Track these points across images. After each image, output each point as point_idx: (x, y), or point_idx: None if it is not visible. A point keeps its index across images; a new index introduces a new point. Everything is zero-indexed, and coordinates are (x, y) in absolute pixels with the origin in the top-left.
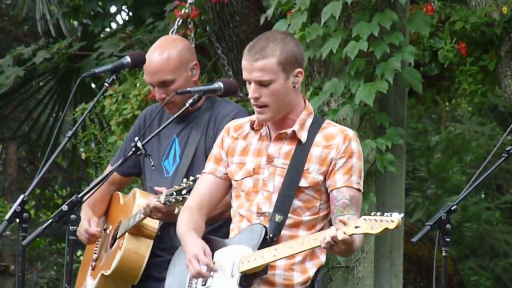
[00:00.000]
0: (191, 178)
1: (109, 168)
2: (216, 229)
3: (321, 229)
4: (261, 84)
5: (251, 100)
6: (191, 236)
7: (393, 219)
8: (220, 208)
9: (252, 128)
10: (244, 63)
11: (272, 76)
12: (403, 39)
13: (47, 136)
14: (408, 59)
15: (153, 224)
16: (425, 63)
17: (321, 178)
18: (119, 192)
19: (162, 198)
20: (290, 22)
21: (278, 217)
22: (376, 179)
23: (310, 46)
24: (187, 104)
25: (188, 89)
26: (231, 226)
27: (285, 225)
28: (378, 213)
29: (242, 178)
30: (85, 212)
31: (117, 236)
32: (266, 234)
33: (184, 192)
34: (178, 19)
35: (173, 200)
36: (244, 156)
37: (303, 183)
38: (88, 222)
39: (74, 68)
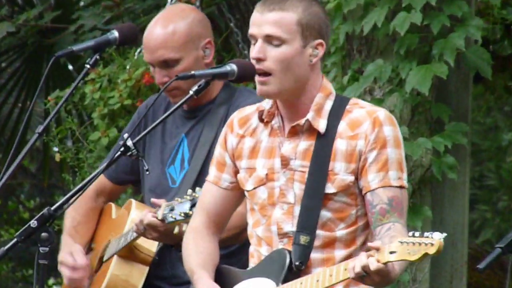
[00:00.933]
0: (197, 189)
1: (101, 177)
2: (232, 254)
3: (364, 243)
4: (270, 42)
5: (253, 63)
6: (201, 275)
7: (433, 242)
8: (234, 228)
9: (261, 119)
10: (254, 15)
11: (287, 34)
12: (468, 9)
13: (11, 132)
14: (474, 35)
15: (149, 246)
16: (495, 40)
17: (351, 178)
18: (112, 204)
19: (160, 213)
20: None
21: (303, 238)
22: (432, 189)
23: (348, 18)
24: (191, 92)
25: (192, 72)
26: (250, 249)
27: (314, 246)
28: (417, 233)
29: (254, 188)
30: (64, 242)
31: (104, 259)
32: (291, 262)
33: (186, 207)
34: None
35: (173, 217)
36: (253, 159)
37: (329, 188)
38: (70, 255)
39: (45, 45)
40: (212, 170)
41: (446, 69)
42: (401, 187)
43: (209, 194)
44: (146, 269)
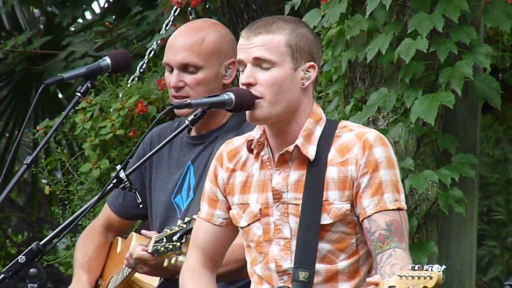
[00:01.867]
0: (186, 219)
1: (106, 208)
2: None
3: (368, 273)
4: (260, 66)
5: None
6: None
7: (432, 275)
8: (235, 262)
9: (250, 150)
10: (241, 41)
11: (276, 57)
12: (476, 36)
13: None
14: (483, 63)
15: (150, 280)
16: (505, 68)
17: (347, 206)
18: (119, 238)
19: (150, 246)
20: (324, 13)
21: (302, 274)
22: (438, 223)
23: (351, 45)
24: (186, 122)
25: (188, 101)
26: (251, 287)
27: (316, 281)
28: (417, 266)
29: (248, 225)
30: (77, 278)
31: None
32: None
33: (175, 238)
34: (174, 7)
35: (162, 249)
36: (246, 194)
37: (325, 219)
38: None
39: (34, 72)
40: (204, 207)
41: (453, 98)
42: (399, 209)
43: (203, 231)
44: None
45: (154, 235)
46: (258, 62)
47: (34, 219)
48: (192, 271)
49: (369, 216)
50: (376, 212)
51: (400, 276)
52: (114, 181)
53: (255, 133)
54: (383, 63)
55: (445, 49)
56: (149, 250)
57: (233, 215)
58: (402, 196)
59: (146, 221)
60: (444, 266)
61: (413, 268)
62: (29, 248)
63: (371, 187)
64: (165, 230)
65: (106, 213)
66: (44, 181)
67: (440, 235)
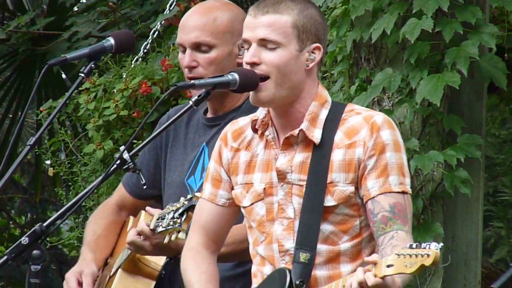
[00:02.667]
0: (188, 196)
1: (120, 188)
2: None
3: (370, 255)
4: (265, 46)
5: (247, 68)
6: None
7: (429, 252)
8: (240, 242)
9: (255, 130)
10: (248, 19)
11: (282, 37)
12: (482, 16)
13: (1, 144)
14: (488, 43)
15: (155, 259)
16: (510, 48)
17: (351, 189)
18: (131, 217)
19: (152, 222)
20: None
21: (303, 256)
22: (444, 205)
23: (356, 25)
24: (190, 103)
25: (192, 82)
26: (253, 269)
27: (317, 262)
28: (415, 244)
29: (251, 204)
30: (83, 257)
31: (110, 274)
32: (291, 281)
33: (177, 215)
34: None
35: (163, 225)
36: (250, 174)
37: (329, 201)
38: (77, 276)
39: (38, 53)
40: (207, 187)
41: (459, 78)
42: (403, 192)
43: (206, 212)
44: (152, 283)
45: (157, 212)
46: (264, 42)
47: (38, 201)
48: (195, 251)
49: (373, 197)
50: (381, 194)
51: (398, 255)
52: (118, 162)
53: (259, 113)
54: (388, 43)
55: (450, 29)
56: (151, 226)
57: (236, 195)
58: (408, 180)
59: (160, 201)
60: (441, 244)
61: (410, 246)
62: (33, 229)
63: (377, 169)
64: (167, 207)
65: (120, 192)
66: (47, 162)
67: (446, 216)
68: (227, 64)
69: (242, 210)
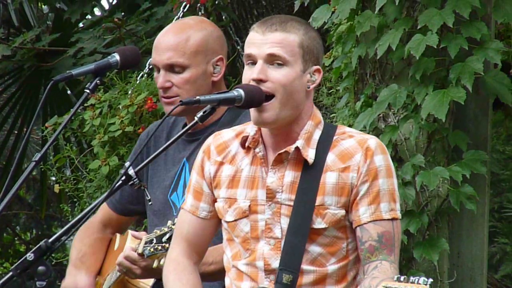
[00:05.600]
0: (176, 220)
1: (104, 205)
2: None
3: (354, 278)
4: (272, 63)
5: (252, 83)
6: None
7: None
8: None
9: (243, 146)
10: (253, 35)
11: (290, 56)
12: (487, 31)
13: (6, 160)
14: (494, 59)
15: (144, 280)
16: None
17: (342, 212)
18: (118, 234)
19: (140, 247)
20: (334, 9)
21: (286, 277)
22: (449, 220)
23: (361, 41)
24: (196, 119)
25: (198, 97)
26: (226, 282)
27: (304, 283)
28: (402, 277)
29: (235, 220)
30: (69, 272)
31: None
32: None
33: (164, 239)
34: (184, 3)
35: (152, 249)
36: (234, 189)
37: (319, 223)
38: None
39: (43, 69)
40: (189, 198)
41: (464, 94)
42: (393, 219)
43: (187, 223)
44: None
45: (144, 236)
46: (272, 58)
47: (43, 217)
48: (176, 262)
49: (363, 224)
50: (371, 222)
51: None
52: (123, 178)
53: (250, 129)
54: (393, 59)
55: (455, 45)
56: (139, 251)
57: (218, 208)
58: (398, 206)
59: (144, 217)
60: (431, 280)
61: (398, 279)
62: (38, 245)
63: (369, 195)
64: (155, 231)
65: (103, 209)
66: (53, 178)
67: (451, 232)
68: (202, 83)
69: (224, 224)
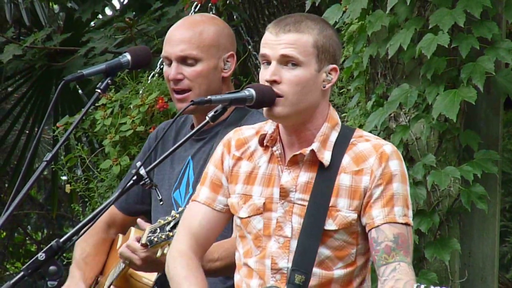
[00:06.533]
0: (180, 209)
1: (111, 208)
2: None
3: (361, 284)
4: (285, 64)
5: (266, 84)
6: None
7: None
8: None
9: (262, 144)
10: (268, 36)
11: (303, 56)
12: (498, 31)
13: (17, 160)
14: (505, 59)
15: (147, 274)
16: None
17: (354, 216)
18: (120, 235)
19: (144, 237)
20: (345, 8)
21: (298, 277)
22: (460, 220)
23: (372, 41)
24: (207, 118)
25: (209, 97)
26: (236, 278)
27: (310, 286)
28: (423, 286)
29: (249, 216)
30: (71, 275)
31: None
32: None
33: (168, 228)
34: (195, 3)
35: (155, 239)
36: (250, 185)
37: (330, 225)
38: None
39: (54, 68)
40: (204, 191)
41: (475, 93)
42: (407, 224)
43: (200, 216)
44: None
45: (147, 226)
46: (285, 59)
47: (54, 216)
48: (186, 257)
49: (378, 226)
50: (385, 223)
51: None
52: (134, 178)
53: (268, 127)
54: (404, 58)
55: (466, 45)
56: (143, 241)
57: (232, 204)
58: (410, 212)
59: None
60: None
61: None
62: (49, 245)
63: (383, 198)
64: (158, 220)
65: (109, 209)
66: (64, 178)
67: (462, 232)
68: (213, 78)
69: (237, 219)
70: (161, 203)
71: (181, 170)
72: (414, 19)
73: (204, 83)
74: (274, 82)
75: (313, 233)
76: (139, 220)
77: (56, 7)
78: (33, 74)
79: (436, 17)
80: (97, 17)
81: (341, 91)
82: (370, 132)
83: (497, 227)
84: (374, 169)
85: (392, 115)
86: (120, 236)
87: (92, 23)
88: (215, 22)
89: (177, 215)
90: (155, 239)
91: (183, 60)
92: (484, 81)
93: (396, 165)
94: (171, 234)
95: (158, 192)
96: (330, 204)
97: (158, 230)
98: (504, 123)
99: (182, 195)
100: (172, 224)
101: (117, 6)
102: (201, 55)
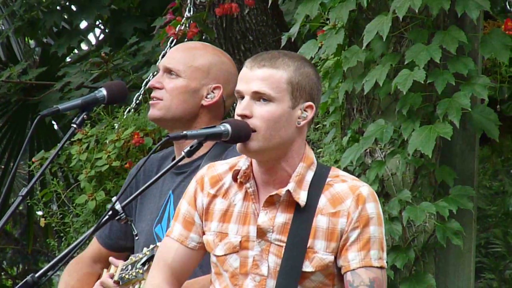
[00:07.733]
0: (151, 246)
1: (94, 241)
2: None
3: None
4: (258, 99)
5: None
6: None
7: None
8: None
9: (235, 180)
10: (243, 71)
11: (276, 92)
12: (474, 67)
13: None
14: (481, 95)
15: None
16: (503, 99)
17: (331, 258)
18: (105, 270)
19: (117, 274)
20: (321, 44)
21: None
22: (436, 256)
23: (348, 76)
24: (183, 153)
25: (184, 132)
26: None
27: None
28: None
29: (225, 254)
30: None
31: None
32: None
33: (139, 265)
34: (171, 38)
35: (127, 276)
36: (226, 223)
37: (307, 267)
38: None
39: (30, 103)
40: (177, 227)
41: (451, 129)
42: (381, 267)
43: (173, 252)
44: None
45: (120, 263)
46: (257, 95)
47: (30, 251)
48: None
49: (353, 269)
50: (361, 267)
51: None
52: (110, 213)
53: (242, 163)
54: (380, 94)
55: (442, 80)
56: (115, 278)
57: (208, 242)
58: (385, 255)
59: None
60: None
61: None
62: (24, 280)
63: (360, 241)
64: (130, 257)
65: (94, 245)
66: (39, 213)
67: (438, 268)
68: (188, 99)
69: (213, 257)
70: (137, 238)
71: (162, 204)
72: (390, 55)
73: (177, 98)
74: (245, 116)
75: (291, 275)
76: (111, 258)
77: (32, 42)
78: (9, 108)
79: (412, 53)
80: (73, 52)
81: (316, 127)
82: (346, 168)
83: (473, 263)
84: (351, 211)
85: (368, 150)
86: (105, 271)
87: (68, 58)
88: (217, 53)
89: (148, 252)
90: (127, 276)
91: (169, 72)
92: (460, 117)
93: (373, 207)
94: (140, 271)
95: (134, 227)
96: (308, 246)
97: (130, 267)
98: (479, 159)
99: (164, 230)
100: (142, 261)
101: (93, 41)
102: (184, 73)
